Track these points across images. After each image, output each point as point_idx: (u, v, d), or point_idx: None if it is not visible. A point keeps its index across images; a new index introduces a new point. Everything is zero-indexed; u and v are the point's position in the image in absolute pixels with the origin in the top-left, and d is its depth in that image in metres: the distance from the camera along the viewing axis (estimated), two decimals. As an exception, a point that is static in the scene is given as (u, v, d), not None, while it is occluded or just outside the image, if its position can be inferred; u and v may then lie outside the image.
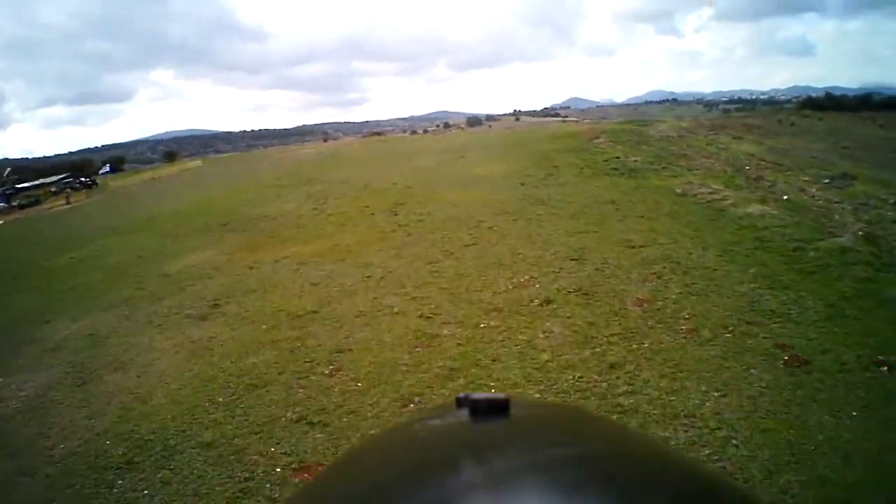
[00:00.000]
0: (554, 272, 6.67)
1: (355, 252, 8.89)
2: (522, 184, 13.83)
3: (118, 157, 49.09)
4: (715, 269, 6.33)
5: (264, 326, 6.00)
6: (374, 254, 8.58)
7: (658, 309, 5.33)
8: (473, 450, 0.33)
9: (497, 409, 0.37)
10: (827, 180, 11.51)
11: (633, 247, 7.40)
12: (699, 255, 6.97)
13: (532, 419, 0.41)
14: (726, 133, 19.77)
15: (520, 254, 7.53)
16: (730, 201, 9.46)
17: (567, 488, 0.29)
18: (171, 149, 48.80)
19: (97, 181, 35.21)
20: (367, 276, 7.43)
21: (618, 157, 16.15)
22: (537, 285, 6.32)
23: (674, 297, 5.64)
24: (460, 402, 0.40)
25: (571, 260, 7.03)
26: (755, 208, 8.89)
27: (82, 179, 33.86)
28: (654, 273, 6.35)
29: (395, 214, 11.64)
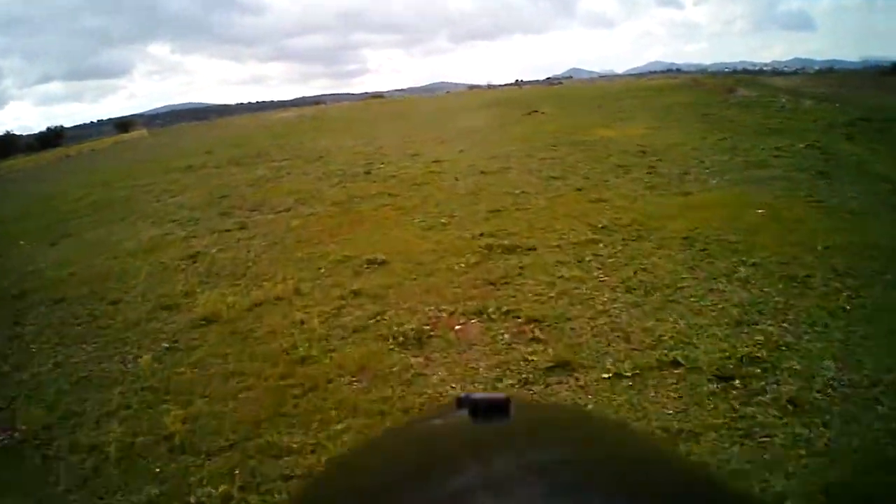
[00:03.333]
0: None
1: None
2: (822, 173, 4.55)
3: (56, 129, 39.57)
4: None
5: None
6: None
7: None
8: (473, 450, 0.32)
9: (497, 409, 0.35)
10: None
11: None
12: None
13: (533, 420, 0.40)
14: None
15: None
16: None
17: (567, 490, 0.28)
18: (126, 120, 38.85)
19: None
20: None
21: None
22: None
23: None
24: (460, 403, 0.37)
25: None
26: None
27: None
28: None
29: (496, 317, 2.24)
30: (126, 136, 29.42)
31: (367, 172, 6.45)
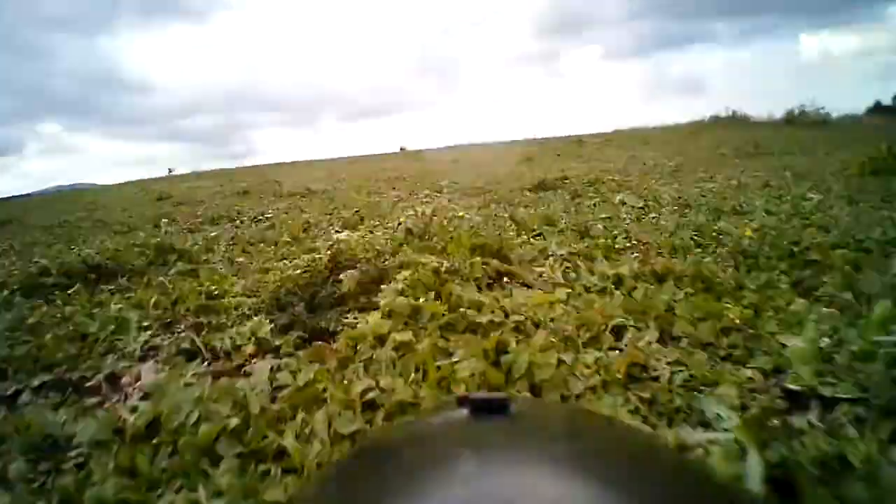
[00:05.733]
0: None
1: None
2: None
3: None
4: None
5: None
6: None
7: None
8: (472, 448, 0.32)
9: (497, 408, 0.36)
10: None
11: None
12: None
13: (531, 418, 0.40)
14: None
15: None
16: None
17: (565, 485, 0.28)
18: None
19: None
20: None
21: None
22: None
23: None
24: (461, 402, 0.38)
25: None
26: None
27: None
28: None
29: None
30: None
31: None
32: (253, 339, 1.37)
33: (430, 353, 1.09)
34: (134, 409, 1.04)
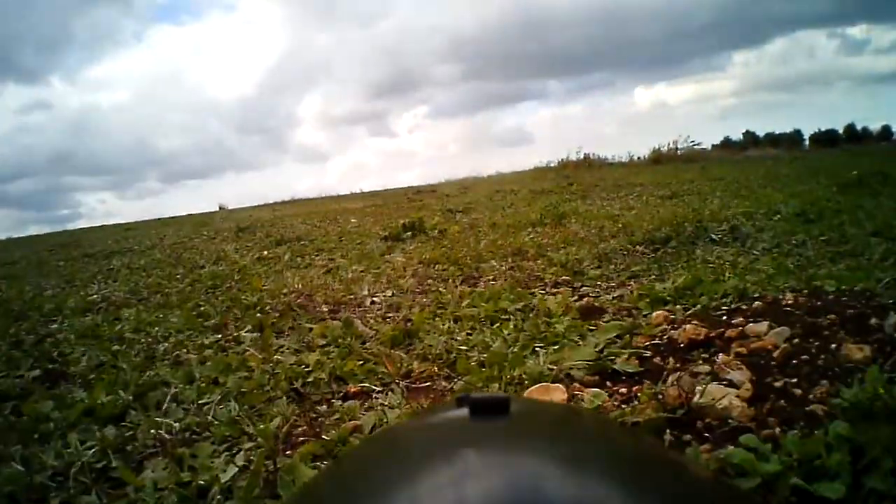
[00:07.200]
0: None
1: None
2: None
3: None
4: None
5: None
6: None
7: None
8: (471, 448, 0.32)
9: (497, 408, 0.36)
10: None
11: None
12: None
13: (531, 418, 0.40)
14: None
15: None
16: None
17: (565, 487, 0.28)
18: None
19: None
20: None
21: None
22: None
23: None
24: (460, 402, 0.38)
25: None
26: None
27: None
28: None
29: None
30: None
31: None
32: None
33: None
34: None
